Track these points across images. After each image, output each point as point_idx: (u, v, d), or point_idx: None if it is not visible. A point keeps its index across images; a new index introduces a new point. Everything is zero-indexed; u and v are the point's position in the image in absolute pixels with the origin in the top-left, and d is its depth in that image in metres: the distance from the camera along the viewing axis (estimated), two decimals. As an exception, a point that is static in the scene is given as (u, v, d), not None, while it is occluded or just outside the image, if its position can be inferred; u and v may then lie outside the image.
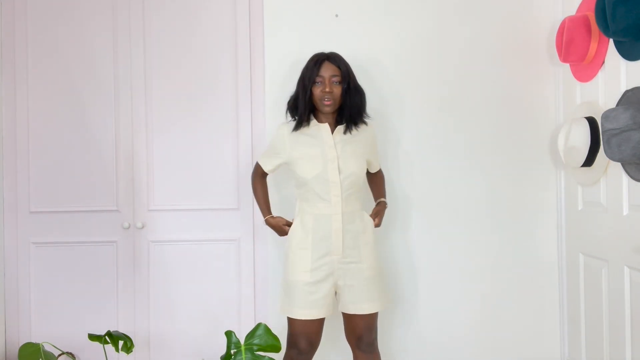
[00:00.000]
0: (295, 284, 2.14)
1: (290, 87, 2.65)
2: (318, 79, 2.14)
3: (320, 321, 2.17)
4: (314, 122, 2.21)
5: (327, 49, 2.64)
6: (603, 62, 2.29)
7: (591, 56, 2.33)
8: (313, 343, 2.18)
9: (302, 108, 2.17)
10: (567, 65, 2.54)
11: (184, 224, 2.70)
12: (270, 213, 2.33)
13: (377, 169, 2.41)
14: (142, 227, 2.68)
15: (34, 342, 2.40)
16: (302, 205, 2.21)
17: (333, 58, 2.18)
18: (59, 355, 2.50)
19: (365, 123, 2.25)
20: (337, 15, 2.68)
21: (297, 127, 2.20)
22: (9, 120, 2.70)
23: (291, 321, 2.17)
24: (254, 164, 2.51)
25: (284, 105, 2.64)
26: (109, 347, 2.42)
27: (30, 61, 2.70)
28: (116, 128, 2.70)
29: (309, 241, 2.14)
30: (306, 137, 2.20)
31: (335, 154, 2.15)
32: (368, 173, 2.38)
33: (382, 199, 2.36)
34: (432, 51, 2.69)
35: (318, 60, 2.16)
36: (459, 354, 2.71)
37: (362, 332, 2.19)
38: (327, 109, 2.16)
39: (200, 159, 2.69)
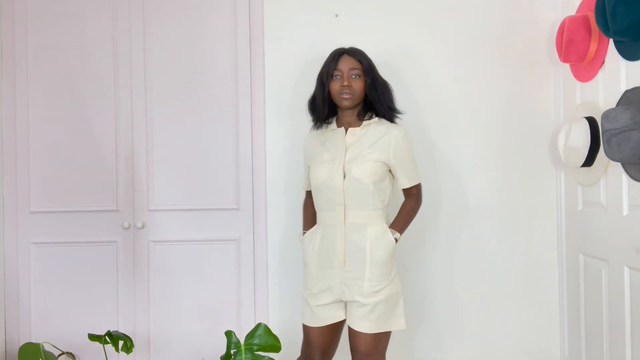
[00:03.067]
0: (303, 292, 2.14)
1: (291, 86, 2.67)
2: (336, 73, 2.02)
3: (328, 328, 2.07)
4: (332, 126, 2.13)
5: (326, 49, 2.65)
6: (603, 62, 2.29)
7: (591, 56, 2.33)
8: (322, 351, 2.10)
9: (320, 105, 2.07)
10: (567, 65, 2.54)
11: (184, 224, 2.70)
12: (307, 228, 2.19)
13: (408, 185, 2.09)
14: (142, 227, 2.68)
15: (34, 342, 2.40)
16: (317, 214, 2.15)
17: (352, 52, 2.06)
18: (59, 355, 2.50)
19: (394, 121, 2.10)
20: (337, 15, 2.68)
21: (316, 125, 2.11)
22: (9, 120, 2.70)
23: (302, 327, 2.16)
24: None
25: (284, 104, 2.67)
26: (109, 347, 2.42)
27: (30, 61, 2.70)
28: (116, 128, 2.70)
29: (314, 253, 2.08)
30: (322, 141, 2.12)
31: (343, 158, 2.03)
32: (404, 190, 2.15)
33: (396, 232, 2.07)
34: (431, 51, 2.69)
35: (336, 55, 2.05)
36: (459, 353, 2.71)
37: (355, 346, 2.04)
38: (346, 103, 2.03)
39: (200, 159, 2.69)
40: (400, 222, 2.11)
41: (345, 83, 2.00)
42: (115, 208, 2.70)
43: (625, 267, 2.14)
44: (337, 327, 2.11)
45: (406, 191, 2.16)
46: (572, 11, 2.51)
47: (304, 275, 2.15)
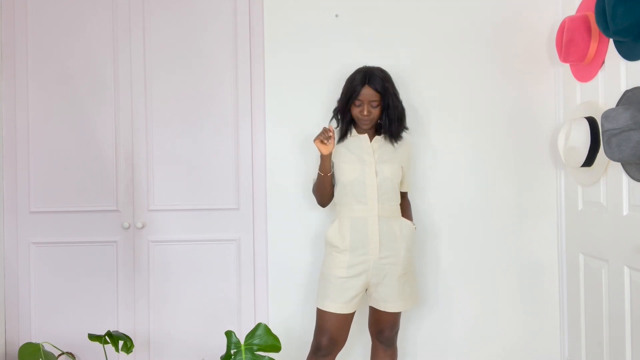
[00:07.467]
0: (330, 277, 2.25)
1: (291, 86, 2.67)
2: (357, 102, 2.27)
3: (346, 318, 2.24)
4: (354, 132, 2.36)
5: (326, 49, 2.66)
6: (603, 62, 2.29)
7: (591, 56, 2.33)
8: (335, 340, 2.25)
9: (342, 125, 2.36)
10: (567, 65, 2.54)
11: (184, 224, 2.70)
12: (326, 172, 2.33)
13: (406, 190, 2.46)
14: (142, 227, 2.68)
15: (34, 342, 2.40)
16: (340, 209, 2.32)
17: (372, 81, 2.26)
18: (59, 355, 2.50)
19: (402, 138, 2.37)
20: (337, 15, 2.68)
21: (340, 140, 2.37)
22: (9, 120, 2.70)
23: (319, 313, 2.26)
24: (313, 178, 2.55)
25: (283, 104, 2.67)
26: (109, 347, 2.42)
27: (30, 61, 2.70)
28: (116, 128, 2.70)
29: (346, 244, 2.25)
30: (345, 144, 2.35)
31: (372, 159, 2.28)
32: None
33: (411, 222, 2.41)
34: (431, 52, 2.69)
35: (359, 83, 2.26)
36: (460, 353, 2.71)
37: (385, 327, 2.33)
38: (365, 127, 2.31)
39: (200, 159, 2.69)
40: (410, 216, 2.47)
41: (365, 113, 2.27)
42: (115, 208, 2.70)
43: (625, 267, 2.15)
44: (352, 317, 2.28)
45: (404, 193, 2.47)
46: (572, 11, 2.51)
47: (336, 263, 2.25)
